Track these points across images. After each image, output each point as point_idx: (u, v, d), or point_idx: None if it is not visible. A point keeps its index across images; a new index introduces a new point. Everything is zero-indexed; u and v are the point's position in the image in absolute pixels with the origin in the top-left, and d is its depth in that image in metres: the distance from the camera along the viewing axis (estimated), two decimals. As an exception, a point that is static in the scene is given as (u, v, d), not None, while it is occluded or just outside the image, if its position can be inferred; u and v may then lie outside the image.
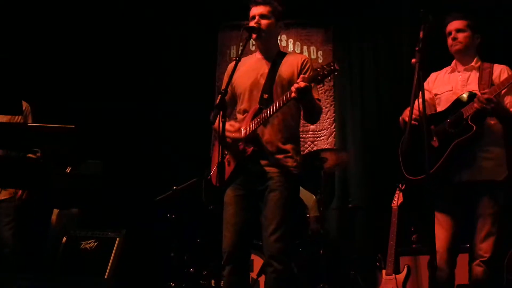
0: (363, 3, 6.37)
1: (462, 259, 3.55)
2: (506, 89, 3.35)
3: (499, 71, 3.46)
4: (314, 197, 5.21)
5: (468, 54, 3.59)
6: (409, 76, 2.98)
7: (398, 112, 3.71)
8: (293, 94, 3.02)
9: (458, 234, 3.43)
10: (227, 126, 3.22)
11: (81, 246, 4.66)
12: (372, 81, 6.37)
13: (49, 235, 5.00)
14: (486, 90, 3.30)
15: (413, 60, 2.91)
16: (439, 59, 3.71)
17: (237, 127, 3.30)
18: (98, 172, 4.23)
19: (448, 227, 3.42)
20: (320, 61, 6.53)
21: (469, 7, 4.17)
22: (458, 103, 3.41)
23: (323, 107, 6.07)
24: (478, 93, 3.32)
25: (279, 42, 3.74)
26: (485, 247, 3.29)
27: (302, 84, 2.98)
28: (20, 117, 4.75)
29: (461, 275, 3.62)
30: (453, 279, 3.42)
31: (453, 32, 3.57)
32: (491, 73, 3.46)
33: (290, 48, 6.61)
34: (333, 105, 6.49)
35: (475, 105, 3.25)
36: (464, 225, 3.45)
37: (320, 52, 6.62)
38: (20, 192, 4.82)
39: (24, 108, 4.79)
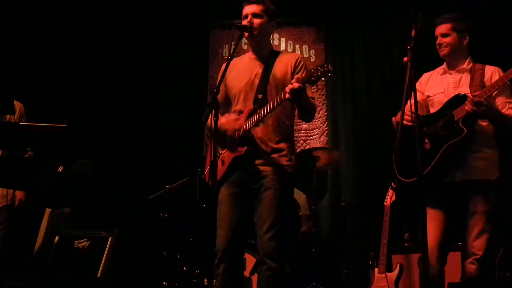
0: (354, 2, 6.39)
1: (454, 257, 3.56)
2: (497, 90, 3.36)
3: (491, 73, 3.46)
4: (304, 195, 5.23)
5: (458, 56, 3.58)
6: (401, 75, 2.99)
7: (390, 111, 3.70)
8: (287, 95, 3.03)
9: (448, 231, 3.44)
10: (223, 119, 3.24)
11: (74, 246, 4.64)
12: (364, 80, 6.39)
13: (41, 234, 4.98)
14: (477, 93, 3.30)
15: (405, 59, 2.92)
16: (432, 58, 3.71)
17: (231, 118, 3.32)
18: (89, 171, 4.21)
19: (439, 223, 3.42)
20: (312, 59, 6.53)
21: (460, 5, 4.18)
22: (449, 105, 3.42)
23: (315, 106, 6.10)
24: (470, 95, 3.33)
25: (271, 41, 3.74)
26: (478, 245, 3.29)
27: (296, 85, 2.98)
28: (14, 116, 4.73)
29: (453, 273, 3.63)
30: (443, 276, 3.42)
31: (439, 37, 3.58)
32: (482, 75, 3.45)
33: (283, 47, 6.61)
34: (325, 104, 6.50)
35: (466, 107, 3.25)
36: (456, 224, 3.45)
37: (312, 51, 6.62)
38: (17, 201, 4.79)
39: (18, 108, 4.77)
